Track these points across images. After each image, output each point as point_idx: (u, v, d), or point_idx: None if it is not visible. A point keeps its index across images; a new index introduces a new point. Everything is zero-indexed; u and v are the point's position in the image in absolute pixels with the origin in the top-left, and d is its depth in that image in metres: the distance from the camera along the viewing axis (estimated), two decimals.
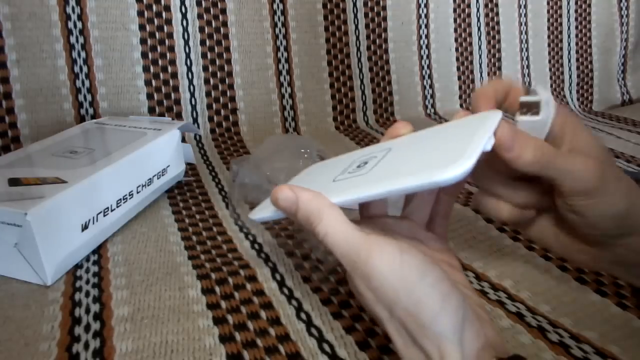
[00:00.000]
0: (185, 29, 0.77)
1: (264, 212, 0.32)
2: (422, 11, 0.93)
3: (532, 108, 0.29)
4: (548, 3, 1.03)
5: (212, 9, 0.78)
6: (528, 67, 1.02)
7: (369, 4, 0.89)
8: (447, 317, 0.25)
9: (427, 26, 0.94)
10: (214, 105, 0.79)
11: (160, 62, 0.75)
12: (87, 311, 0.38)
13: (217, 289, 0.41)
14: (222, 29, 0.79)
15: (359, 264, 0.26)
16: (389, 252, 0.26)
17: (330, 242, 0.27)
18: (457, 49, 0.97)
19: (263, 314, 0.38)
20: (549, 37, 1.03)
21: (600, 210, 0.28)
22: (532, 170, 0.28)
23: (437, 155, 0.26)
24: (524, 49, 1.01)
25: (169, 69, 0.76)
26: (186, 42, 0.77)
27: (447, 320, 0.25)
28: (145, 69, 0.74)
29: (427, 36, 0.94)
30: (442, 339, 0.25)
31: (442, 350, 0.25)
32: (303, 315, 0.38)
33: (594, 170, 0.28)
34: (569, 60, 1.05)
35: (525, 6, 1.01)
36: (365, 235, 0.26)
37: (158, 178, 0.55)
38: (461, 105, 0.97)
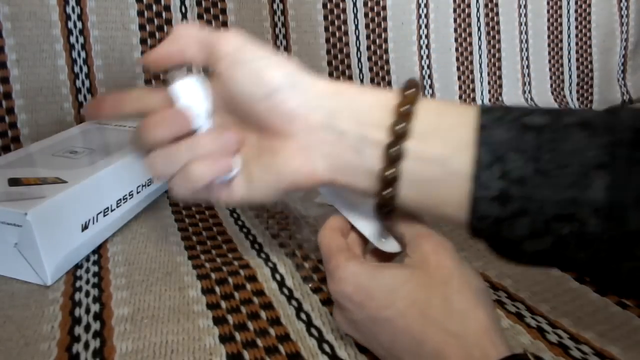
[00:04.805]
0: None
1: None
2: (422, 11, 0.93)
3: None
4: (548, 3, 1.02)
5: (212, 9, 0.78)
6: (528, 67, 1.02)
7: (369, 4, 0.89)
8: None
9: (427, 26, 0.94)
10: None
11: None
12: (87, 311, 0.38)
13: (217, 289, 0.41)
14: (222, 29, 0.79)
15: None
16: None
17: None
18: (457, 49, 0.97)
19: (263, 314, 0.38)
20: (549, 37, 1.03)
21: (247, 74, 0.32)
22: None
23: None
24: (524, 49, 1.01)
25: None
26: None
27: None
28: (146, 69, 0.74)
29: (427, 36, 0.94)
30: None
31: None
32: (303, 316, 0.38)
33: None
34: (569, 60, 1.05)
35: (525, 6, 1.01)
36: None
37: None
38: None
